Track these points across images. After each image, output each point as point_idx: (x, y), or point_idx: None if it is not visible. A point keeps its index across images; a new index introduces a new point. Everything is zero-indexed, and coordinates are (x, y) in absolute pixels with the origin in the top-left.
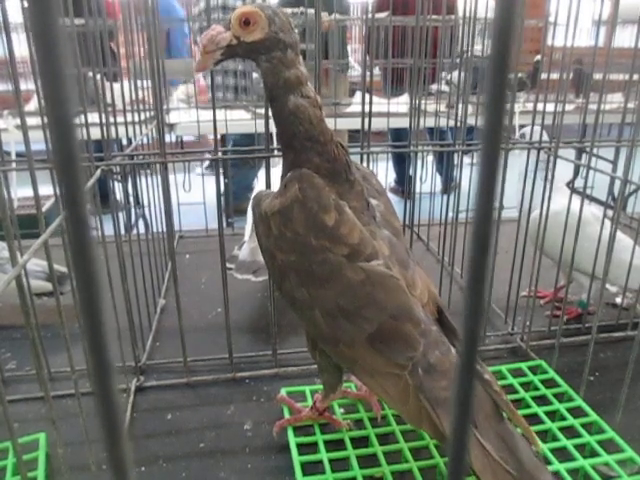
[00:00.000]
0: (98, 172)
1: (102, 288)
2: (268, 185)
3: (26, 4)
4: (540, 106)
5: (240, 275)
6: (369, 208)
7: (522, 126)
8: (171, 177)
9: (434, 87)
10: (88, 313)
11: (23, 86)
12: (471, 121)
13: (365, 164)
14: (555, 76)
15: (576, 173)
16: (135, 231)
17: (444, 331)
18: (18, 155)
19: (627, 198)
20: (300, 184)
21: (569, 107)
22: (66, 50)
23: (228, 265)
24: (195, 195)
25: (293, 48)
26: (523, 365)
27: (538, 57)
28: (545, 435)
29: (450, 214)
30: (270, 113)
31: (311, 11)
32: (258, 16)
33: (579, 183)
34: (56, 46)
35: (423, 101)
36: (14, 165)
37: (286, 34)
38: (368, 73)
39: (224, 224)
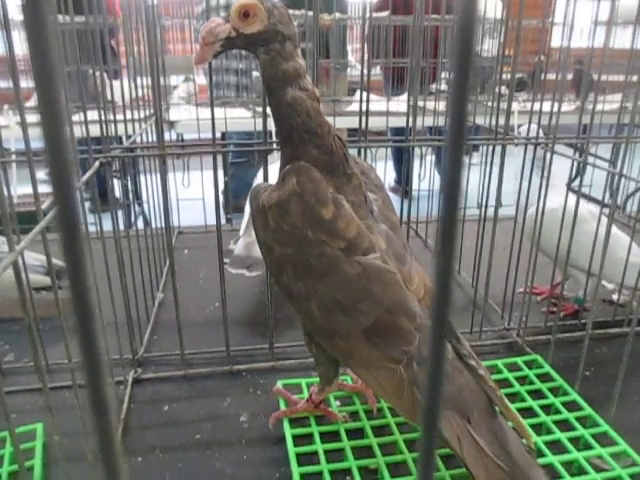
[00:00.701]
0: (97, 164)
1: (91, 279)
2: (266, 179)
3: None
4: (540, 105)
5: (234, 270)
6: (367, 202)
7: (520, 125)
8: (170, 174)
9: (434, 86)
10: (78, 307)
11: (23, 83)
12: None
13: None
14: (555, 76)
15: (577, 172)
16: (134, 227)
17: None
18: (18, 152)
19: (627, 199)
20: (298, 177)
21: (570, 107)
22: (56, 47)
23: (223, 260)
24: (194, 191)
25: (292, 40)
26: (519, 360)
27: (543, 57)
28: (540, 428)
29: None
30: (268, 107)
31: (311, 13)
32: (257, 8)
33: (578, 182)
34: (46, 43)
35: (423, 100)
36: (14, 162)
37: (285, 26)
38: (366, 71)
39: (223, 220)
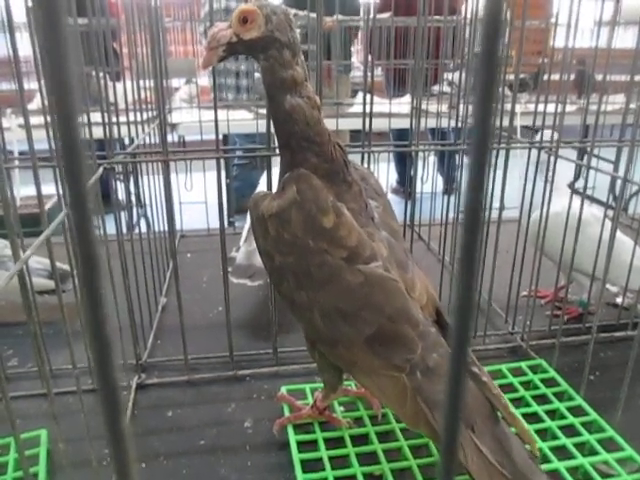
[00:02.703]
0: (100, 170)
1: (104, 278)
2: (270, 185)
3: (30, 3)
4: (542, 107)
5: (236, 279)
6: (367, 209)
7: (525, 127)
8: (173, 176)
9: (436, 88)
10: (91, 306)
11: (26, 85)
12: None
13: (366, 164)
14: (558, 77)
15: (578, 175)
16: (137, 230)
17: (442, 333)
18: (20, 154)
19: (629, 200)
20: (298, 185)
21: (571, 108)
22: (71, 47)
23: None
24: (197, 194)
25: (290, 48)
26: (523, 364)
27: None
28: (545, 434)
29: (451, 214)
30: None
31: (313, 15)
32: (256, 14)
33: (580, 184)
34: (62, 43)
35: (425, 102)
36: (17, 167)
37: (282, 33)
38: (369, 73)
39: (225, 223)
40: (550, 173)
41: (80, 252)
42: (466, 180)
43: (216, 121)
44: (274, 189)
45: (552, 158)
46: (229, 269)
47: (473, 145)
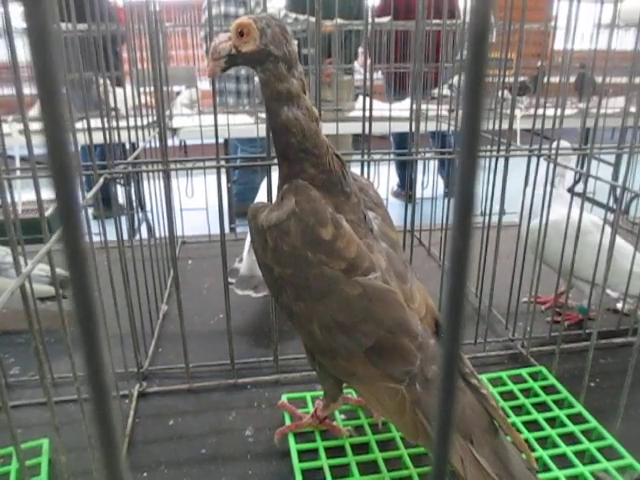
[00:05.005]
0: (101, 180)
1: (97, 303)
2: (270, 195)
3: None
4: (543, 110)
5: (240, 291)
6: (366, 220)
7: (527, 130)
8: (174, 181)
9: (436, 91)
10: (84, 329)
11: (26, 90)
12: None
13: (366, 169)
14: (558, 80)
15: (578, 179)
16: (138, 236)
17: None
18: (22, 159)
19: (630, 202)
20: (296, 197)
21: (572, 111)
22: (59, 55)
23: (229, 280)
24: (198, 199)
25: (285, 61)
26: (523, 371)
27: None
28: (545, 442)
29: (452, 218)
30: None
31: (312, 19)
32: (251, 28)
33: (580, 187)
34: (49, 50)
35: (425, 106)
36: (18, 170)
37: (277, 47)
38: (369, 77)
39: (227, 229)
40: (558, 180)
41: (72, 277)
42: (456, 185)
43: (216, 132)
44: (274, 198)
45: (552, 165)
46: (233, 281)
47: (462, 151)
